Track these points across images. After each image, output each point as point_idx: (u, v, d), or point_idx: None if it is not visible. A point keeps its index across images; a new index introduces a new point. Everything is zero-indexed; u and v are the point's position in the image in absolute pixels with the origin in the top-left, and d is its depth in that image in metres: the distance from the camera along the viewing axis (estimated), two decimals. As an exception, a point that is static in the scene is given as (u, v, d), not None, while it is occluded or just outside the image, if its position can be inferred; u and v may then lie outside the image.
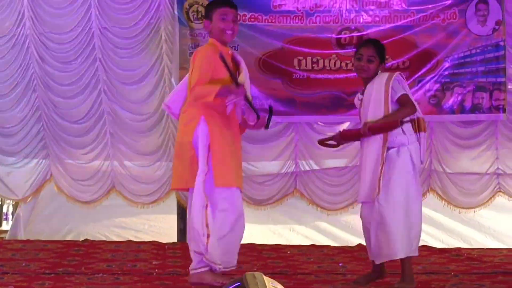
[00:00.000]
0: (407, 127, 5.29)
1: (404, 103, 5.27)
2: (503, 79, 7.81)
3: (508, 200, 8.04)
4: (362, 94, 5.49)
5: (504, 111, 7.84)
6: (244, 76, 5.13)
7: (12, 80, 8.08)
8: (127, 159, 8.22)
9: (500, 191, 8.02)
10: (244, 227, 5.11)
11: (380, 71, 5.41)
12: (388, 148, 5.24)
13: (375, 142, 5.27)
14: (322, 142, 5.78)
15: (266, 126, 5.17)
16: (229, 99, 4.96)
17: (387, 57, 7.64)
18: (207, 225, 4.89)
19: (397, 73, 5.39)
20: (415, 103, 5.39)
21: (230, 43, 5.47)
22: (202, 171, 4.92)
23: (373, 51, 5.41)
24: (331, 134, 5.98)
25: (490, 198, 8.00)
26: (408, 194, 5.22)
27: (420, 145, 5.33)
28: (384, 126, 5.23)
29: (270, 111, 5.19)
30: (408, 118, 5.27)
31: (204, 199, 4.90)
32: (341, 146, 5.86)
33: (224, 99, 4.96)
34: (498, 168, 8.02)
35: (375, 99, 5.32)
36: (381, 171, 5.20)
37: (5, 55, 8.06)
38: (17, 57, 8.05)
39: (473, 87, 7.87)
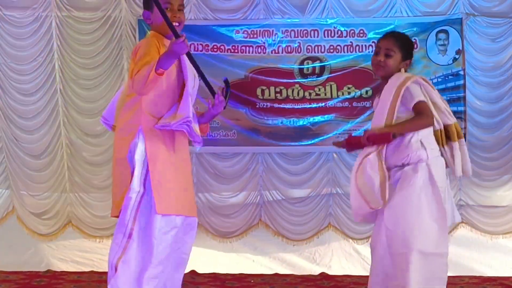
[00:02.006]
0: (428, 140, 4.92)
1: (418, 111, 4.82)
2: (463, 108, 8.16)
3: (470, 231, 8.27)
4: (380, 96, 5.07)
5: (465, 139, 8.15)
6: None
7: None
8: (84, 192, 8.42)
9: (463, 222, 8.23)
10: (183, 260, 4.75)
11: (402, 70, 4.99)
12: (404, 165, 4.86)
13: (374, 160, 4.83)
14: (336, 143, 5.39)
15: (225, 102, 4.79)
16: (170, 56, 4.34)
17: (349, 85, 8.36)
18: (119, 259, 4.47)
19: (417, 77, 4.96)
20: (446, 110, 5.03)
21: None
22: (133, 191, 4.49)
23: (392, 44, 4.94)
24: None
25: (453, 229, 8.15)
26: (423, 216, 4.76)
27: (454, 157, 4.98)
28: (382, 137, 4.79)
29: (227, 84, 4.89)
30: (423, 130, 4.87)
31: (127, 226, 4.49)
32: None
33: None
34: (460, 200, 8.24)
35: (381, 104, 4.92)
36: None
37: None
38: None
39: (435, 115, 8.27)
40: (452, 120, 5.07)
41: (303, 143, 8.40)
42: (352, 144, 5.04)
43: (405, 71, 5.06)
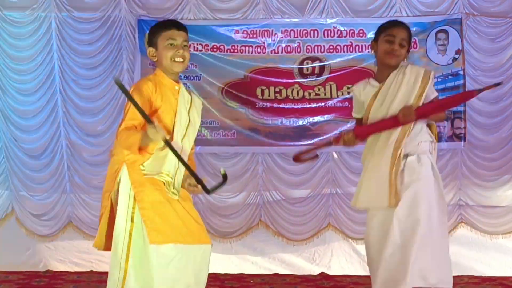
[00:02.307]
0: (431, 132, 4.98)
1: None
2: (463, 108, 8.16)
3: (470, 231, 8.28)
4: (379, 82, 5.05)
5: (464, 139, 8.18)
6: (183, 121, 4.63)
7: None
8: (84, 192, 8.42)
9: (462, 222, 8.27)
10: None
11: (406, 61, 5.05)
12: (406, 156, 4.86)
13: (386, 147, 4.85)
14: (298, 158, 5.39)
15: (208, 191, 4.67)
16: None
17: (349, 85, 8.30)
18: None
19: (433, 72, 5.05)
20: None
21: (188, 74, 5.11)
22: (120, 226, 4.39)
23: (406, 35, 4.99)
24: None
25: (452, 229, 8.16)
26: (432, 212, 4.81)
27: None
28: (434, 109, 4.79)
29: (224, 178, 4.70)
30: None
31: (121, 262, 4.36)
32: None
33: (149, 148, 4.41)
34: (460, 199, 8.26)
35: (407, 90, 4.89)
36: (394, 175, 4.77)
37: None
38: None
39: (435, 115, 8.26)
40: None
41: (302, 143, 8.36)
42: (365, 134, 5.03)
43: None
